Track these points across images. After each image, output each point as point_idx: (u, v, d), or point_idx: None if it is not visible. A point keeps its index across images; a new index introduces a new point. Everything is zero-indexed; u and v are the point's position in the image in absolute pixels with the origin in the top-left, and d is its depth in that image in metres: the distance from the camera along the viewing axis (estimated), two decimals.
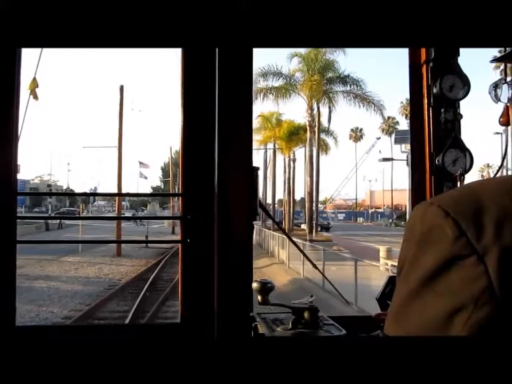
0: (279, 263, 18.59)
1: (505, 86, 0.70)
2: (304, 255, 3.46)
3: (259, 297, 1.44)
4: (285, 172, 38.39)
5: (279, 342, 1.35)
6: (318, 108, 31.39)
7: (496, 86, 0.73)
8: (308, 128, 30.55)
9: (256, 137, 34.38)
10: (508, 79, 0.69)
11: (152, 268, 17.34)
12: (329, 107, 32.16)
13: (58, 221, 27.98)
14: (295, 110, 76.85)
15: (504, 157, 0.79)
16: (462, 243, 0.54)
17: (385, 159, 37.57)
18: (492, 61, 0.72)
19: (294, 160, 38.35)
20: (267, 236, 25.24)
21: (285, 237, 18.52)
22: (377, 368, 0.78)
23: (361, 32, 1.41)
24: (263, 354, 1.47)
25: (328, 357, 0.86)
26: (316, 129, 31.16)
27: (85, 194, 27.29)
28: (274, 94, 30.17)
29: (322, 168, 40.08)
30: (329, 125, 35.29)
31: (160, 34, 1.37)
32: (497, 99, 0.72)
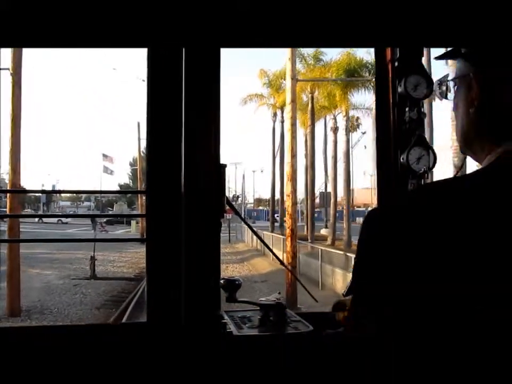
0: None
1: (450, 83, 0.72)
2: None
3: (227, 295, 1.44)
4: (304, 149, 23.70)
5: (246, 340, 1.35)
6: None
7: (441, 83, 0.75)
8: None
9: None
10: (451, 76, 0.71)
11: None
12: None
13: None
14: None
15: (464, 157, 0.82)
16: (398, 251, 0.61)
17: None
18: (436, 59, 0.74)
19: (345, 129, 22.67)
20: (326, 257, 13.64)
21: None
22: (341, 362, 0.79)
23: (327, 33, 1.42)
24: (230, 352, 1.48)
25: (296, 353, 0.87)
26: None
27: (25, 191, 23.90)
28: None
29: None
30: None
31: (125, 34, 1.36)
32: (442, 96, 0.74)
